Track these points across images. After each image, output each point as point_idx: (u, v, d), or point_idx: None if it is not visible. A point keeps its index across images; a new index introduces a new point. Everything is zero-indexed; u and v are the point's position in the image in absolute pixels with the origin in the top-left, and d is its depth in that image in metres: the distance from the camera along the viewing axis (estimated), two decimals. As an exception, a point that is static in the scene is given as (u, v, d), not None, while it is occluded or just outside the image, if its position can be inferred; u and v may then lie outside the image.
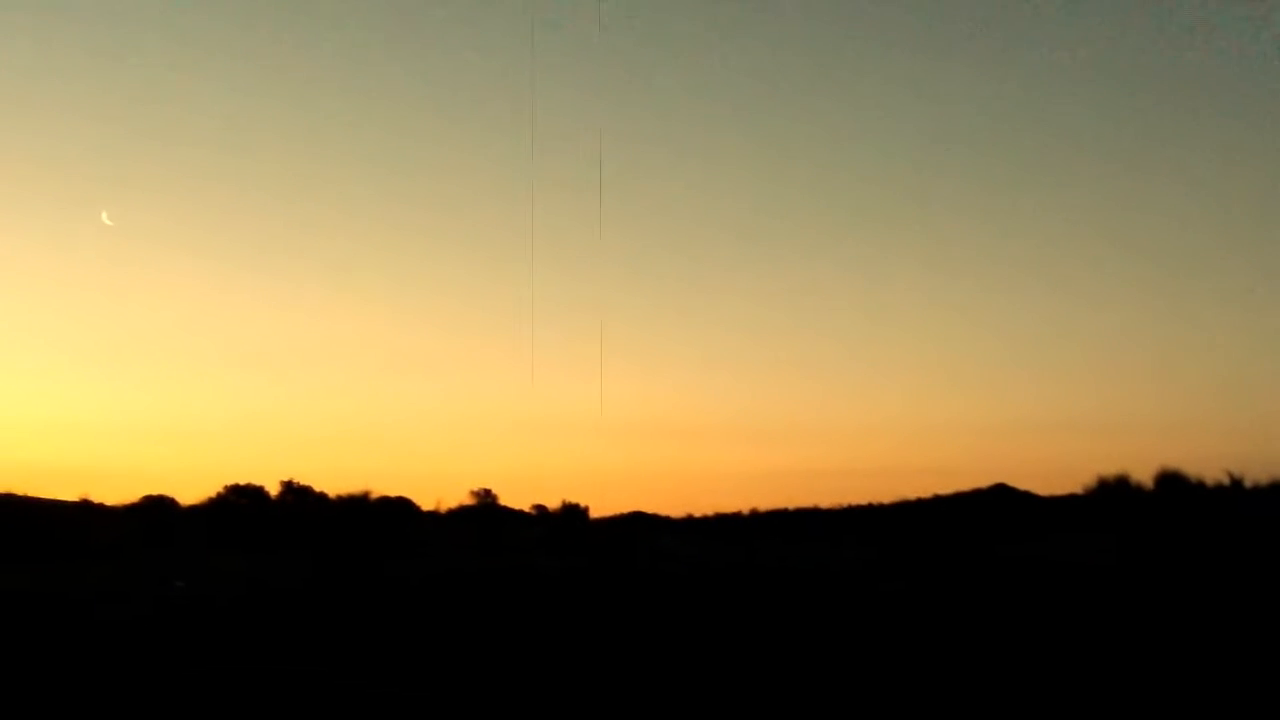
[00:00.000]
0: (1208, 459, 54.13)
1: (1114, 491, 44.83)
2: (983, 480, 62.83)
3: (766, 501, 76.37)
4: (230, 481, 57.90)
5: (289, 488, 58.37)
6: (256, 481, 58.35)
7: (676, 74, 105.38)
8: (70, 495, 51.97)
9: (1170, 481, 41.40)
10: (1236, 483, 39.35)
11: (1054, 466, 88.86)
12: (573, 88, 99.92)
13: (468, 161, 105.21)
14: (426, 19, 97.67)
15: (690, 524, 70.98)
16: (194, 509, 55.78)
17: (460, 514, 61.97)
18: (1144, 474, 41.59)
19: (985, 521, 51.30)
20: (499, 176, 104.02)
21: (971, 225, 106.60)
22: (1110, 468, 52.53)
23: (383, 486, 60.85)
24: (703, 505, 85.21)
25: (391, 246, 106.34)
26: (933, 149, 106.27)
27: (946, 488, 62.41)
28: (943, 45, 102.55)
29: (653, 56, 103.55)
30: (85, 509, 50.45)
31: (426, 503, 61.58)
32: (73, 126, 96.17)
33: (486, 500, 63.86)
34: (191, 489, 62.63)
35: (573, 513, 67.61)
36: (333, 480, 71.65)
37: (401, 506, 59.26)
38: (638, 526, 66.26)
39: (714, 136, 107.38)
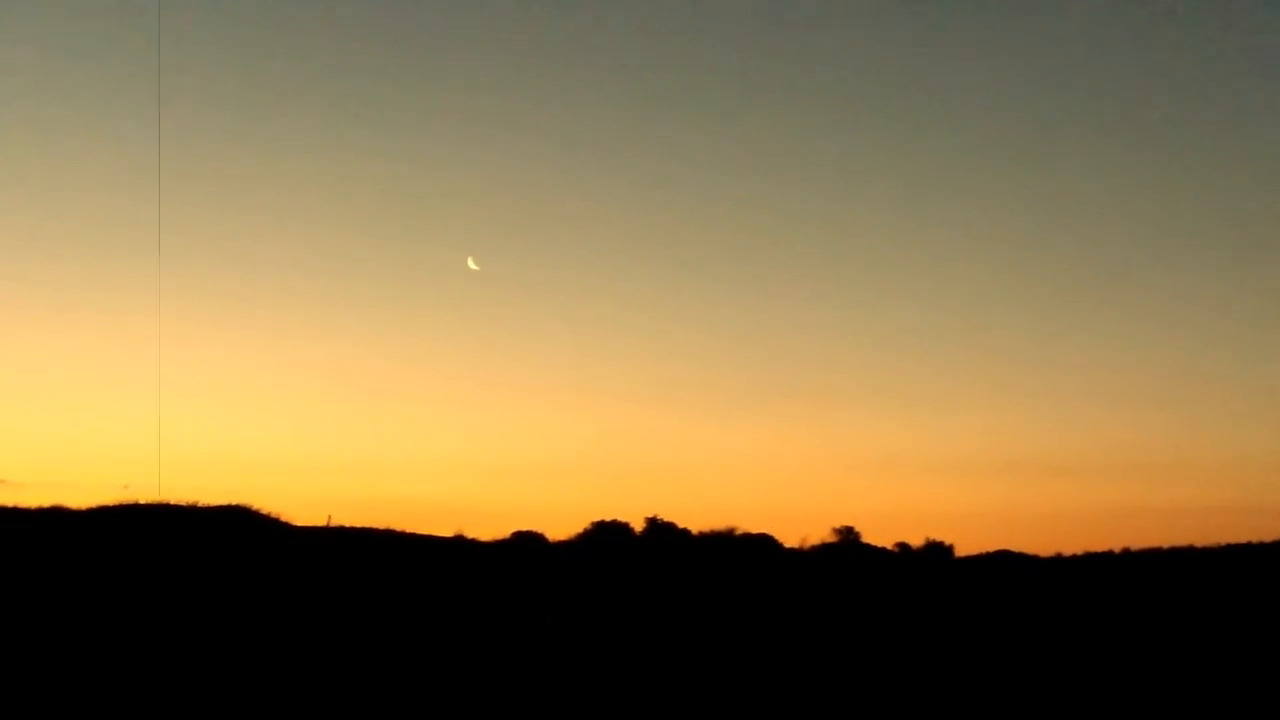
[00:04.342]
0: None
1: None
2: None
3: (1139, 540, 71.93)
4: (597, 517, 58.97)
5: (653, 524, 58.84)
6: (622, 518, 59.18)
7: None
8: (446, 531, 53.69)
9: None
10: None
11: None
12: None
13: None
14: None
15: (1059, 562, 67.66)
16: (562, 544, 56.85)
17: (822, 551, 61.05)
18: None
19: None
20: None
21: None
22: None
23: (747, 523, 60.51)
24: (1072, 544, 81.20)
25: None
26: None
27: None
28: None
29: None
30: (460, 545, 52.05)
31: (790, 540, 61.00)
32: (441, 174, 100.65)
33: (849, 538, 62.69)
34: (560, 525, 63.92)
35: (937, 550, 65.69)
36: (696, 517, 71.88)
37: (764, 543, 58.84)
38: (1004, 565, 63.71)
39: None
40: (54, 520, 41.42)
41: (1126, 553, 65.08)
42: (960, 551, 65.73)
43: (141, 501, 44.39)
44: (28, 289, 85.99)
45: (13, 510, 42.09)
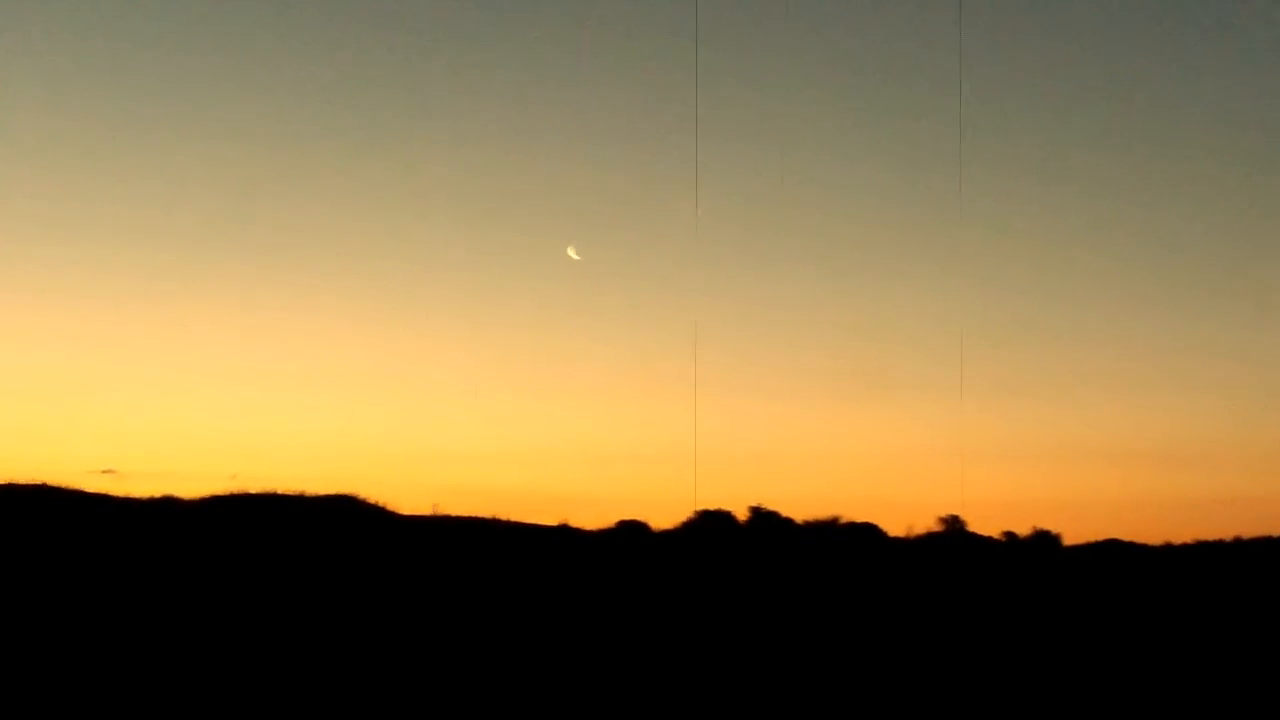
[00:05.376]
0: None
1: None
2: None
3: (1251, 529, 70.54)
4: (700, 506, 58.82)
5: (757, 513, 58.60)
6: (725, 507, 59.00)
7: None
8: (550, 520, 53.78)
9: None
10: None
11: None
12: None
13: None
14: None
15: (1169, 551, 66.43)
16: (665, 533, 56.77)
17: (928, 540, 60.46)
18: None
19: None
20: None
21: None
22: None
23: (851, 512, 60.08)
24: (1182, 533, 79.69)
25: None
26: None
27: None
28: None
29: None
30: (564, 534, 52.17)
31: (895, 529, 60.48)
32: (542, 164, 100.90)
33: (955, 527, 62.02)
34: (664, 514, 63.81)
35: (1044, 539, 64.89)
36: (800, 506, 71.45)
37: (869, 532, 58.39)
38: (1113, 554, 62.74)
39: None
40: (165, 510, 42.15)
41: (1238, 541, 63.84)
42: (1068, 540, 64.94)
43: (250, 491, 45.03)
44: (136, 281, 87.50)
45: (125, 501, 42.89)
